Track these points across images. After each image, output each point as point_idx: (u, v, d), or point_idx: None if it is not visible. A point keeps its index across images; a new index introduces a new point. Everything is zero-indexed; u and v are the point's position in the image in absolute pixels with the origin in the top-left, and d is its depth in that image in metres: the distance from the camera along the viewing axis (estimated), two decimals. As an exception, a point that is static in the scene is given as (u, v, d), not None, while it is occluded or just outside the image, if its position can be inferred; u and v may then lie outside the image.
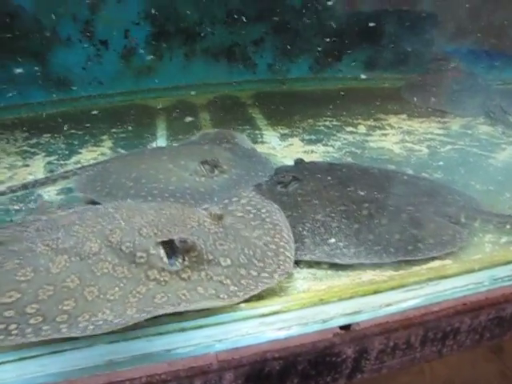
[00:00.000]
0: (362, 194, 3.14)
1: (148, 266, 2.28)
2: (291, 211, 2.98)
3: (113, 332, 2.07)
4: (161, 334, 2.11)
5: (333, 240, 2.77)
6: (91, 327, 2.01)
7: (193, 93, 6.42)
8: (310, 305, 2.31)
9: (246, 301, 2.29)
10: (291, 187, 3.26)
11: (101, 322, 2.04)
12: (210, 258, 2.33)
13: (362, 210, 2.97)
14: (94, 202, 3.39)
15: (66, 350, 2.07)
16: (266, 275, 2.35)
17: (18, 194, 3.80)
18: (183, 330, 2.12)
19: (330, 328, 2.25)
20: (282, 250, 2.53)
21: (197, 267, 2.29)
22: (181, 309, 2.12)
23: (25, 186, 3.83)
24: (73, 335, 2.01)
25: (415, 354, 2.51)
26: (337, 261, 2.66)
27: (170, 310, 2.11)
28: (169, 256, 2.31)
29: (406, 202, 3.11)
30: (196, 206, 3.11)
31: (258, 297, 2.34)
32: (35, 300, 2.18)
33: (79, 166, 4.22)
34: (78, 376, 1.98)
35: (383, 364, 2.46)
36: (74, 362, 2.03)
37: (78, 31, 6.08)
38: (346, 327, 2.28)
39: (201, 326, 2.14)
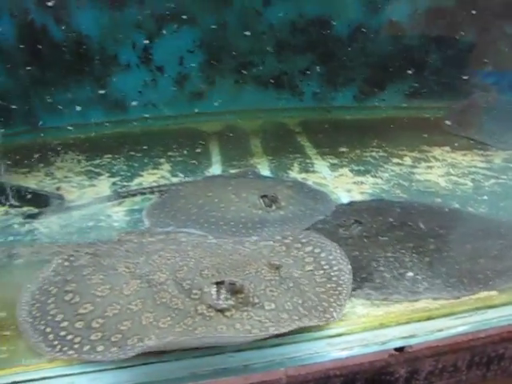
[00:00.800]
0: (425, 230, 3.38)
1: (199, 301, 2.55)
2: (359, 251, 3.18)
3: (197, 348, 2.37)
4: (240, 350, 2.39)
5: (410, 274, 2.98)
6: (131, 353, 2.27)
7: (240, 119, 6.70)
8: (371, 328, 2.57)
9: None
10: (354, 230, 3.43)
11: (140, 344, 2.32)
12: (256, 301, 2.55)
13: (429, 245, 3.20)
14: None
15: (153, 363, 2.37)
16: (306, 320, 2.50)
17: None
18: (260, 347, 2.40)
19: (386, 349, 2.50)
20: (331, 309, 2.65)
21: (241, 307, 2.51)
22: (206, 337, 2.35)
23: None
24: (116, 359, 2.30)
25: (461, 377, 2.73)
26: (417, 297, 2.85)
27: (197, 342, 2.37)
28: (218, 295, 2.57)
29: (466, 235, 3.36)
30: (246, 236, 3.41)
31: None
32: (102, 315, 2.55)
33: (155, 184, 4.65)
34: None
35: (431, 385, 2.69)
36: (161, 374, 2.33)
37: (137, 57, 6.48)
38: (400, 349, 2.52)
39: (277, 345, 2.42)
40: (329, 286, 2.80)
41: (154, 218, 3.90)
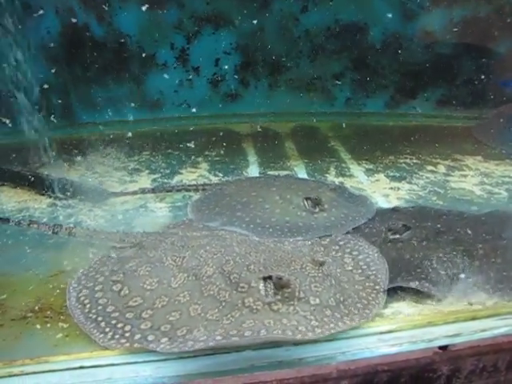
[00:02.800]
0: (472, 236, 3.49)
1: (247, 294, 2.69)
2: (410, 254, 3.27)
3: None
4: (296, 344, 2.52)
5: (463, 275, 3.10)
6: (184, 348, 2.41)
7: (274, 121, 6.84)
8: (420, 326, 2.70)
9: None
10: (403, 234, 3.51)
11: (191, 343, 2.43)
12: (302, 295, 2.68)
13: (478, 250, 3.31)
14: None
15: (214, 354, 2.52)
16: (347, 320, 2.60)
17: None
18: (315, 342, 2.53)
19: (431, 347, 2.63)
20: (370, 306, 2.78)
21: (287, 302, 2.64)
22: (256, 339, 2.44)
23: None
24: (168, 351, 2.43)
25: (500, 377, 2.84)
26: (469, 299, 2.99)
27: (247, 340, 2.45)
28: (266, 289, 2.71)
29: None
30: (291, 238, 3.54)
31: (378, 317, 2.75)
32: (151, 307, 2.71)
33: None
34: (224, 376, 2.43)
35: (471, 383, 2.80)
36: (222, 365, 2.48)
37: (174, 58, 6.65)
38: (444, 347, 2.65)
39: (329, 340, 2.55)
40: (367, 284, 2.93)
41: (199, 213, 4.04)
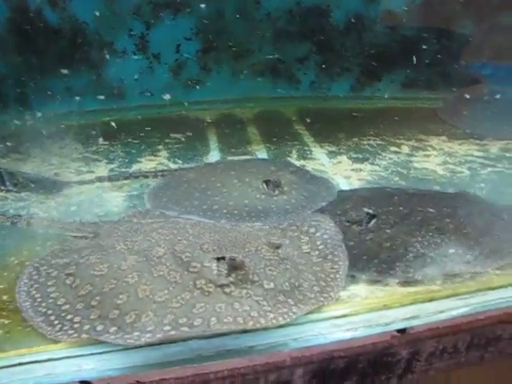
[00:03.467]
0: (436, 213, 3.45)
1: (198, 275, 2.57)
2: (390, 242, 3.16)
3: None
4: (245, 332, 2.40)
5: (452, 250, 3.07)
6: (130, 340, 2.28)
7: (238, 106, 6.72)
8: (375, 309, 2.60)
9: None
10: (370, 224, 3.39)
11: (137, 334, 2.31)
12: (255, 279, 2.57)
13: (448, 225, 3.29)
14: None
15: (160, 344, 2.38)
16: (301, 306, 2.51)
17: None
18: (265, 329, 2.41)
19: (388, 331, 2.54)
20: (329, 288, 2.69)
21: (240, 285, 2.54)
22: (206, 330, 2.33)
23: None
24: (114, 342, 2.31)
25: (460, 358, 2.80)
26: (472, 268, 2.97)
27: (196, 331, 2.33)
28: (219, 270, 2.59)
29: (473, 214, 3.49)
30: (250, 222, 3.42)
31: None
32: (100, 292, 2.57)
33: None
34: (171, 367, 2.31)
35: (431, 366, 2.75)
36: (170, 355, 2.35)
37: (133, 45, 6.44)
38: (402, 330, 2.56)
39: (280, 326, 2.43)
40: (325, 265, 2.83)
41: (156, 200, 3.91)
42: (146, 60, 6.57)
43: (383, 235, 3.24)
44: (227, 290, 2.50)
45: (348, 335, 2.45)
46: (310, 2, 6.64)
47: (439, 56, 6.80)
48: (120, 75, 6.47)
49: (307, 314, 2.49)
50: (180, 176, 4.33)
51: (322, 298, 2.57)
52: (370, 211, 3.46)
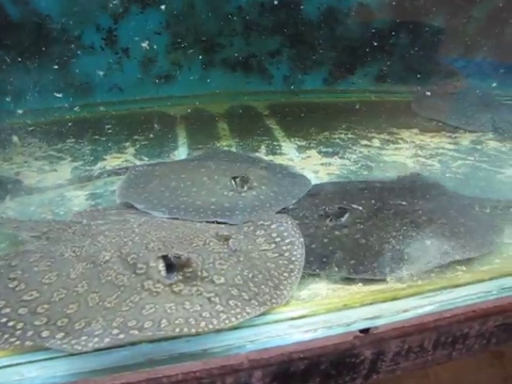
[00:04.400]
0: (407, 205, 3.40)
1: (145, 276, 2.45)
2: (365, 238, 3.06)
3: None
4: (197, 334, 2.26)
5: (428, 242, 3.02)
6: (77, 346, 2.14)
7: (209, 102, 6.57)
8: (335, 309, 2.50)
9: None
10: (344, 218, 3.25)
11: (84, 338, 2.17)
12: (205, 274, 2.45)
13: (421, 217, 3.25)
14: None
15: (108, 348, 2.24)
16: (255, 303, 2.40)
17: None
18: (219, 331, 2.30)
19: (350, 331, 2.44)
20: (282, 286, 2.59)
21: (190, 282, 2.42)
22: (156, 334, 2.19)
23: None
24: (60, 348, 2.17)
25: (427, 357, 2.70)
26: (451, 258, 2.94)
27: (146, 334, 2.19)
28: (166, 270, 2.46)
29: (443, 205, 3.48)
30: (215, 219, 3.32)
31: (288, 301, 2.53)
32: (48, 301, 2.41)
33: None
34: (121, 373, 2.18)
35: (398, 366, 2.65)
36: (119, 360, 2.23)
37: (101, 39, 6.28)
38: (365, 330, 2.47)
39: (235, 328, 2.33)
40: (280, 262, 2.72)
41: (126, 197, 3.78)
42: (114, 55, 6.41)
43: (358, 231, 3.14)
44: (176, 288, 2.39)
45: (308, 336, 2.35)
46: (281, -6, 6.54)
47: (412, 49, 6.77)
48: (88, 71, 6.30)
49: (263, 314, 2.38)
50: (153, 170, 4.22)
51: (275, 295, 2.47)
52: (342, 206, 3.34)
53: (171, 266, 2.46)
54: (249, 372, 2.31)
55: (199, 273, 2.44)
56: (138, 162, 4.74)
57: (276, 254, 2.79)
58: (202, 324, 2.20)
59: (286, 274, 2.63)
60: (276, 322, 2.39)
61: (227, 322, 2.24)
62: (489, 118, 5.72)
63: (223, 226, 3.17)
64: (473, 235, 3.17)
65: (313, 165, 4.61)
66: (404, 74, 6.91)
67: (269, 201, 3.61)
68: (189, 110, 6.30)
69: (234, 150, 5.04)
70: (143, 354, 2.22)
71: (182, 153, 5.00)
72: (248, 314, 2.31)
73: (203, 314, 2.25)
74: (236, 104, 6.64)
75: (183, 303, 2.30)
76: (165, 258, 2.49)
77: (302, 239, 2.88)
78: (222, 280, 2.45)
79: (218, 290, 2.39)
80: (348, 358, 2.46)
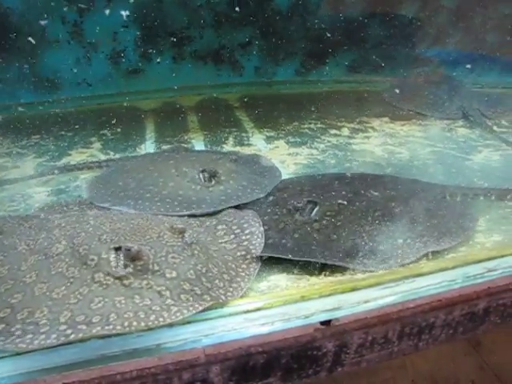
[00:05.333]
0: (379, 196, 3.34)
1: (96, 268, 2.38)
2: (336, 233, 2.98)
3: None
4: (151, 329, 2.20)
5: (403, 234, 2.98)
6: (22, 345, 2.07)
7: (180, 95, 6.48)
8: (292, 301, 2.44)
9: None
10: (314, 211, 3.15)
11: (29, 336, 2.09)
12: (156, 268, 2.39)
13: (394, 208, 3.21)
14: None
15: (60, 345, 2.16)
16: (208, 298, 2.35)
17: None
18: (172, 325, 2.23)
19: (311, 323, 2.38)
20: (239, 278, 2.54)
21: (140, 275, 2.36)
22: (105, 329, 2.13)
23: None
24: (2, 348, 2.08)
25: (393, 348, 2.64)
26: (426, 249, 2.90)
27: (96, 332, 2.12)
28: (117, 262, 2.41)
29: (414, 196, 3.43)
30: (181, 212, 3.24)
31: (245, 293, 2.46)
32: None
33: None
34: (72, 370, 2.09)
35: (362, 357, 2.59)
36: (69, 357, 2.14)
37: (67, 33, 6.13)
38: (326, 322, 2.40)
39: (189, 322, 2.26)
40: (239, 253, 2.66)
41: (94, 191, 3.69)
42: (82, 49, 6.27)
43: (330, 225, 3.05)
44: (126, 281, 2.32)
45: (265, 330, 2.28)
46: (250, -15, 6.45)
47: (384, 39, 6.74)
48: (54, 65, 6.17)
49: (217, 308, 2.32)
50: (122, 166, 4.15)
51: (231, 289, 2.41)
52: (311, 199, 3.24)
53: (121, 258, 2.39)
54: (206, 367, 2.24)
55: (150, 266, 2.38)
56: (103, 157, 4.64)
57: (234, 245, 2.74)
58: (152, 317, 2.14)
59: (243, 266, 2.58)
60: (231, 315, 2.32)
61: (178, 314, 2.17)
62: (459, 106, 5.72)
63: (184, 218, 3.08)
64: (447, 225, 3.14)
65: (280, 155, 4.54)
66: (376, 63, 6.84)
67: (236, 194, 3.53)
68: (159, 104, 6.22)
69: (201, 142, 4.96)
70: (95, 350, 2.14)
71: (148, 147, 4.90)
72: (200, 305, 2.25)
73: (153, 308, 2.18)
74: (207, 97, 6.54)
75: (133, 297, 2.24)
76: (116, 249, 2.43)
77: (261, 228, 2.84)
78: (174, 274, 2.38)
79: (169, 284, 2.33)
80: (310, 350, 2.40)
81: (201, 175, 3.66)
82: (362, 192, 3.39)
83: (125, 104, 6.14)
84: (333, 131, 5.17)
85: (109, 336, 2.17)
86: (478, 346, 4.63)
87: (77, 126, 5.43)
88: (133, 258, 2.37)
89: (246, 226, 2.88)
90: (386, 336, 2.58)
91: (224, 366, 2.26)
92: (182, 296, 2.28)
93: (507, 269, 2.83)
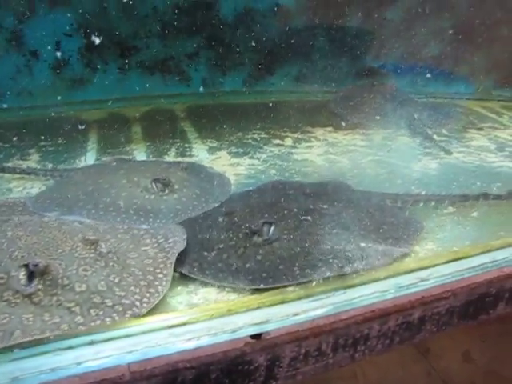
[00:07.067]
0: (329, 208, 3.33)
1: (5, 287, 2.31)
2: (298, 252, 2.90)
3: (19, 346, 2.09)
4: (70, 347, 2.12)
5: (363, 244, 3.00)
6: None
7: (126, 106, 6.39)
8: (219, 315, 2.39)
9: (152, 312, 2.35)
10: (270, 233, 2.99)
11: None
12: (66, 282, 2.34)
13: (346, 220, 3.21)
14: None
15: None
16: (119, 309, 2.32)
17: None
18: (92, 342, 2.15)
19: (240, 337, 2.32)
20: (157, 282, 2.51)
21: (50, 291, 2.30)
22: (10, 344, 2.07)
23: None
24: None
25: (328, 360, 2.60)
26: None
27: None
28: (27, 279, 2.34)
29: (355, 205, 3.47)
30: (135, 224, 3.19)
31: (167, 308, 2.42)
32: None
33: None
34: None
35: (297, 371, 2.54)
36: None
37: (5, 40, 5.96)
38: (256, 336, 2.36)
39: (111, 339, 2.18)
40: (160, 255, 2.65)
41: (39, 203, 3.58)
42: (22, 57, 6.10)
43: (289, 244, 2.96)
44: (36, 299, 2.25)
45: (191, 345, 2.22)
46: (196, -5, 6.42)
47: (332, 50, 6.82)
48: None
49: (140, 323, 2.25)
50: (69, 178, 4.06)
51: (147, 294, 2.37)
52: (266, 220, 3.09)
53: (32, 274, 2.31)
54: (132, 385, 2.16)
55: (60, 280, 2.32)
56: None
57: (156, 250, 2.71)
58: (64, 326, 2.11)
59: (161, 265, 2.56)
60: (154, 330, 2.25)
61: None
62: (402, 116, 5.83)
63: (110, 225, 3.01)
64: (399, 232, 3.20)
65: (221, 165, 4.52)
66: (323, 74, 6.92)
67: (191, 203, 3.54)
68: (103, 115, 6.10)
69: (143, 153, 4.89)
70: (5, 374, 2.03)
71: (89, 158, 4.79)
72: (112, 318, 2.23)
73: (61, 327, 2.13)
74: (154, 107, 6.46)
75: (42, 315, 2.18)
76: (26, 266, 2.35)
77: (185, 236, 2.85)
78: (84, 287, 2.33)
79: (78, 298, 2.28)
80: (240, 365, 2.34)
81: (153, 184, 3.62)
82: (311, 206, 3.32)
83: (68, 115, 6.01)
84: (276, 141, 5.18)
85: (22, 357, 2.07)
86: (427, 353, 4.69)
87: (15, 138, 5.25)
88: (41, 273, 2.30)
89: (170, 235, 2.85)
90: (320, 348, 2.54)
91: (151, 383, 2.19)
92: (91, 311, 2.23)
93: (440, 278, 2.85)
